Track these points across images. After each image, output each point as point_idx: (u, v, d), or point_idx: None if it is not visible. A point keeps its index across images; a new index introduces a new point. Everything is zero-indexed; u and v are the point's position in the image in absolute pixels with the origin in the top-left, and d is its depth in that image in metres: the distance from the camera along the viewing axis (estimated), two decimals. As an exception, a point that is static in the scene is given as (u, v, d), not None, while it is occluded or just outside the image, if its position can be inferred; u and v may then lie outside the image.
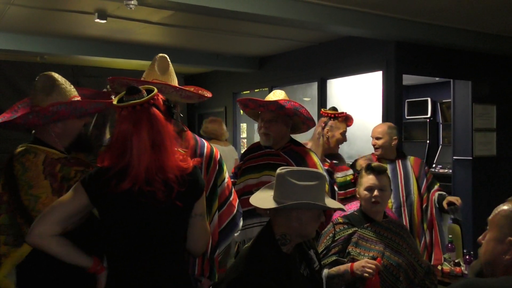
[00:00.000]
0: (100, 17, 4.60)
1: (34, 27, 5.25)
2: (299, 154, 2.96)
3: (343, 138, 3.64)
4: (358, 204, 2.68)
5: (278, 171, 2.05)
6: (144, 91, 1.80)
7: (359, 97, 6.09)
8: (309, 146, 3.48)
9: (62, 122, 2.09)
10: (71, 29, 5.34)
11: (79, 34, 5.58)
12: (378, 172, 2.60)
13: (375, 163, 2.71)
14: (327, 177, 2.99)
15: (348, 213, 2.67)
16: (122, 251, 1.79)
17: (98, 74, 5.01)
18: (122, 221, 1.77)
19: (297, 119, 2.98)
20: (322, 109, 3.81)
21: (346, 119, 3.69)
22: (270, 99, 2.95)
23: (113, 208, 1.76)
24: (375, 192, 2.56)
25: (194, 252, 2.00)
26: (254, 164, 2.98)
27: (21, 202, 1.93)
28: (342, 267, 2.38)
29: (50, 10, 4.56)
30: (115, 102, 1.78)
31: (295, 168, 2.11)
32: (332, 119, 3.63)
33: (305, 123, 3.02)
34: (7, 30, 5.33)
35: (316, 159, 2.98)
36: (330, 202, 2.16)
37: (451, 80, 5.82)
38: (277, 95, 3.00)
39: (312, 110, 6.51)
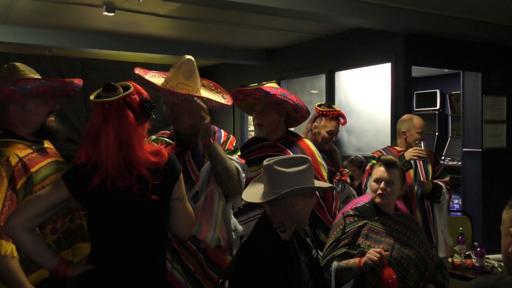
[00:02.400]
0: (108, 10, 4.60)
1: (42, 20, 5.27)
2: (297, 145, 2.96)
3: (329, 137, 3.52)
4: (370, 197, 2.68)
5: (264, 163, 2.08)
6: (120, 88, 1.82)
7: (368, 89, 6.06)
8: None
9: (21, 106, 2.02)
10: (79, 22, 5.34)
11: (87, 27, 5.59)
12: (387, 164, 2.59)
13: (386, 156, 2.70)
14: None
15: (359, 205, 2.66)
16: (103, 244, 1.82)
17: (106, 67, 5.02)
18: (102, 216, 1.81)
19: (288, 108, 2.96)
20: (316, 104, 3.69)
21: (336, 117, 3.55)
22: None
23: (92, 203, 1.80)
24: (382, 185, 2.56)
25: (179, 236, 2.03)
26: (252, 157, 2.97)
27: None
28: (351, 260, 2.39)
29: (58, 3, 4.56)
30: (92, 98, 1.82)
31: (281, 157, 2.13)
32: (321, 116, 3.56)
33: (298, 111, 2.98)
34: (16, 24, 5.35)
35: (313, 148, 2.98)
36: (320, 183, 2.25)
37: (461, 71, 5.78)
38: (267, 86, 3.01)
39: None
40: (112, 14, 4.67)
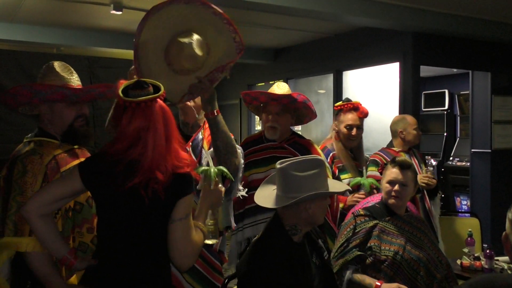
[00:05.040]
0: (115, 9, 4.61)
1: (50, 19, 5.28)
2: (304, 146, 2.93)
3: (348, 132, 3.29)
4: (380, 197, 2.65)
5: (278, 165, 2.05)
6: (151, 86, 1.78)
7: (375, 89, 6.02)
8: (331, 142, 3.39)
9: (49, 108, 2.05)
10: (87, 21, 5.35)
11: (95, 26, 5.60)
12: (402, 166, 2.56)
13: (401, 158, 2.68)
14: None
15: (370, 205, 2.64)
16: (106, 242, 1.80)
17: (113, 65, 5.01)
18: (109, 213, 1.78)
19: (303, 112, 2.95)
20: (335, 104, 3.56)
21: (352, 110, 3.36)
22: (275, 92, 2.90)
23: (104, 199, 1.77)
24: (396, 187, 2.53)
25: (177, 265, 1.79)
26: (257, 158, 2.93)
27: (6, 204, 1.90)
28: (367, 279, 2.36)
29: (66, 2, 4.57)
30: (120, 93, 1.74)
31: (294, 159, 2.08)
32: (339, 112, 3.43)
33: (308, 115, 2.99)
34: (24, 22, 5.37)
35: (319, 150, 2.97)
36: (335, 185, 2.17)
37: (470, 71, 5.73)
38: (281, 87, 2.95)
39: (328, 102, 6.48)
40: (120, 12, 4.68)
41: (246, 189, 2.44)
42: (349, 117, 3.32)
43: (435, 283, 2.41)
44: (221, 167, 1.99)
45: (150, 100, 1.72)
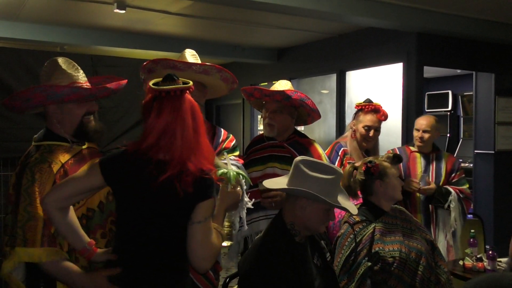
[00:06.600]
0: (119, 7, 4.61)
1: (54, 18, 5.29)
2: (304, 146, 2.89)
3: (366, 133, 3.29)
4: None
5: (296, 158, 2.07)
6: (180, 80, 1.79)
7: (379, 89, 6.01)
8: (346, 140, 3.39)
9: (58, 107, 1.99)
10: (90, 20, 5.36)
11: (99, 25, 5.61)
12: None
13: (396, 154, 2.68)
14: None
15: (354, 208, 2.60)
16: (127, 237, 1.78)
17: (116, 64, 5.01)
18: (133, 210, 1.76)
19: (302, 111, 2.92)
20: (356, 103, 3.52)
21: (373, 111, 3.34)
22: (276, 90, 2.89)
23: (129, 196, 1.75)
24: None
25: (196, 267, 1.79)
26: (258, 156, 2.93)
27: (16, 214, 1.85)
28: None
29: (69, 0, 4.58)
30: (152, 85, 1.76)
31: (313, 159, 2.09)
32: (359, 111, 3.42)
33: (310, 115, 2.95)
34: (28, 21, 5.38)
35: (321, 151, 2.90)
36: (343, 203, 2.07)
37: (474, 72, 5.72)
38: (282, 85, 2.94)
39: (331, 103, 6.47)
40: (123, 11, 4.68)
41: (253, 200, 2.42)
42: (368, 118, 3.33)
43: (432, 275, 2.41)
44: (239, 170, 2.01)
45: (180, 90, 1.74)
